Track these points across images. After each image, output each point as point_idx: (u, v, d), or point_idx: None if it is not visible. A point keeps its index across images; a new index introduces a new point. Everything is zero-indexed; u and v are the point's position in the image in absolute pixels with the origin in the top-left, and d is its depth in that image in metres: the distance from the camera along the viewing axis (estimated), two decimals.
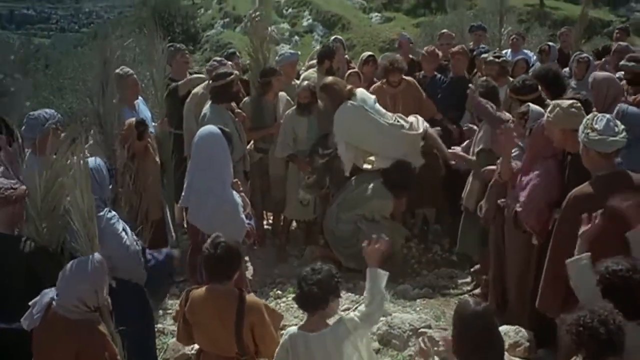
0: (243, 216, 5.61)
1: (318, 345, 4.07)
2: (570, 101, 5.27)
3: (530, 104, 5.96)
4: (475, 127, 6.94)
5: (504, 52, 9.45)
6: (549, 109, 5.32)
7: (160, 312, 6.83)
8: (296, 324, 4.50)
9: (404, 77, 8.19)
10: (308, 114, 7.71)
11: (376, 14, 40.52)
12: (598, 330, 3.36)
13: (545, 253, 5.09)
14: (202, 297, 4.33)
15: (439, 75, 8.66)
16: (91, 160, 4.93)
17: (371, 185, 7.32)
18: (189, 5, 61.21)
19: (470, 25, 11.10)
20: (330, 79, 7.59)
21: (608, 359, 3.42)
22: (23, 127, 5.76)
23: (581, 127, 4.61)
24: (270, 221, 8.78)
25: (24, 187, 4.74)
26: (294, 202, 7.87)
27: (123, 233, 4.92)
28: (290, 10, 46.79)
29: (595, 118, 4.55)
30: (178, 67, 8.58)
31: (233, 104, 7.64)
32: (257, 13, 8.35)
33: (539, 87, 6.39)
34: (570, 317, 3.52)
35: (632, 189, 4.51)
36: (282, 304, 6.91)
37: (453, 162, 7.30)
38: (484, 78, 7.29)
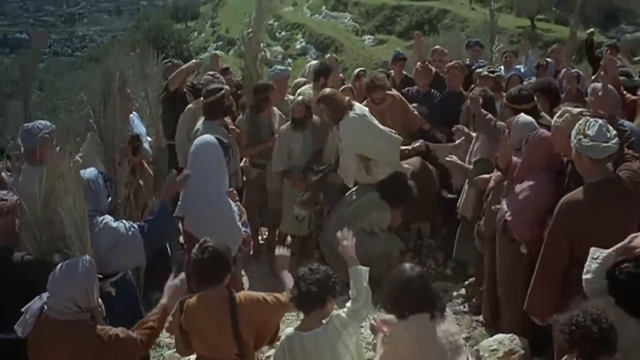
0: (239, 223, 5.64)
1: (312, 345, 4.12)
2: (580, 109, 5.30)
3: (522, 114, 6.03)
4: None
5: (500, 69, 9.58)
6: (557, 114, 5.37)
7: None
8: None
9: (388, 92, 8.20)
10: (302, 129, 7.72)
11: (369, 36, 40.89)
12: (591, 329, 3.41)
13: (535, 263, 5.12)
14: (195, 305, 4.33)
15: (432, 90, 8.72)
16: (88, 171, 5.01)
17: (369, 199, 7.33)
18: (182, 29, 61.68)
19: (467, 41, 11.28)
20: (328, 90, 7.58)
21: (601, 357, 3.45)
22: (18, 140, 5.82)
23: (573, 132, 4.64)
24: (265, 236, 8.78)
25: (15, 197, 4.78)
26: (290, 217, 7.89)
27: (118, 223, 4.98)
28: (283, 33, 47.19)
29: (588, 123, 4.57)
30: (183, 83, 8.68)
31: (228, 119, 7.69)
32: (251, 31, 8.39)
33: (535, 98, 6.46)
34: (563, 317, 3.57)
35: (624, 195, 4.54)
36: None
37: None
38: (482, 88, 7.34)
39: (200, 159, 5.71)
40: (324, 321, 4.18)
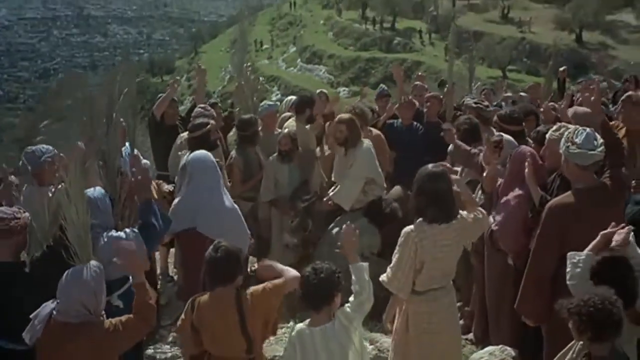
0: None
1: (322, 340, 4.32)
2: (576, 125, 5.57)
3: (503, 134, 6.33)
4: None
5: None
6: (554, 127, 5.66)
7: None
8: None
9: (370, 128, 8.51)
10: (289, 161, 7.94)
11: (344, 88, 41.51)
12: (612, 311, 3.57)
13: (522, 275, 5.35)
14: (206, 303, 4.51)
15: (415, 123, 9.00)
16: (97, 190, 5.20)
17: (359, 225, 7.49)
18: (159, 83, 62.10)
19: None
20: (349, 115, 7.78)
21: (610, 340, 3.64)
22: (21, 162, 5.99)
23: (562, 140, 4.93)
24: (255, 267, 8.88)
25: (26, 214, 4.91)
26: (278, 246, 8.03)
27: (120, 233, 5.16)
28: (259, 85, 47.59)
29: (576, 131, 4.87)
30: (168, 117, 8.93)
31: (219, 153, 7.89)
32: (249, 63, 8.64)
33: (523, 123, 6.75)
34: (570, 301, 3.73)
35: (609, 201, 4.79)
36: (271, 339, 6.97)
37: None
38: (467, 116, 7.61)
39: (202, 171, 6.02)
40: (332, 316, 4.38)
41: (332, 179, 7.99)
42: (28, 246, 4.92)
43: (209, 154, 6.26)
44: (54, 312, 4.17)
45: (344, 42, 72.71)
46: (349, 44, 71.43)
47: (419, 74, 11.34)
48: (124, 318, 4.30)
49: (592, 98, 5.58)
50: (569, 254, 4.38)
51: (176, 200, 6.21)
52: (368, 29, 72.88)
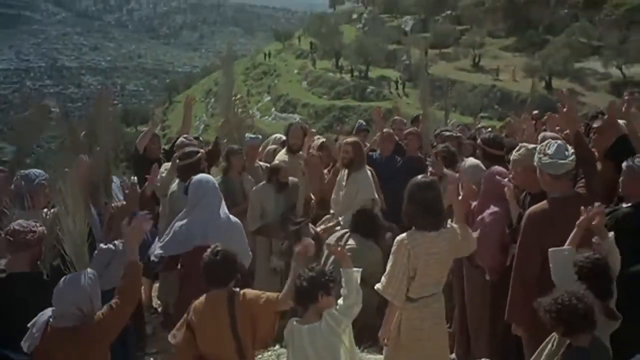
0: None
1: (309, 337, 4.53)
2: (535, 145, 5.85)
3: (470, 158, 6.65)
4: None
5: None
6: (516, 149, 5.91)
7: None
8: None
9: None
10: (282, 191, 8.10)
11: (318, 136, 41.70)
12: (577, 306, 3.83)
13: (499, 290, 5.59)
14: (202, 303, 4.70)
15: (395, 155, 9.22)
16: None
17: (357, 246, 7.58)
18: (133, 132, 62.15)
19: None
20: (356, 138, 8.38)
21: (584, 333, 3.87)
22: (13, 185, 6.10)
23: (536, 153, 5.18)
24: None
25: (42, 228, 5.06)
26: (264, 273, 8.11)
27: (109, 245, 5.42)
28: None
29: (548, 144, 5.13)
30: (151, 151, 9.06)
31: None
32: (239, 96, 8.86)
33: (504, 148, 7.03)
34: (545, 299, 3.98)
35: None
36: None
37: None
38: (445, 144, 7.87)
39: (207, 192, 6.17)
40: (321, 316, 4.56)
41: (332, 204, 8.27)
42: (43, 257, 5.07)
43: (210, 176, 6.43)
44: (51, 319, 4.30)
45: (318, 90, 73.59)
46: (323, 93, 72.30)
47: (397, 115, 11.60)
48: (108, 305, 4.44)
49: (565, 109, 5.82)
50: (550, 250, 4.66)
51: (182, 222, 6.19)
52: (342, 78, 73.85)
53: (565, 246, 4.62)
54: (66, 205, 4.59)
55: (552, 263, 4.65)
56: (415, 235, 5.10)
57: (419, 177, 5.37)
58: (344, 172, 8.12)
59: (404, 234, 5.17)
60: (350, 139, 8.13)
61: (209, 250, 4.75)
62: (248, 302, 4.67)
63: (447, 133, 9.00)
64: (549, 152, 5.08)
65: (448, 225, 5.24)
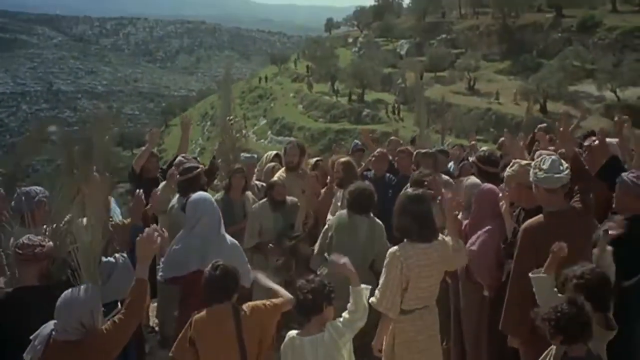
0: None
1: (311, 349, 4.57)
2: (528, 160, 5.95)
3: (471, 177, 6.71)
4: None
5: (449, 165, 10.20)
6: (509, 165, 6.01)
7: None
8: None
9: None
10: (280, 209, 8.15)
11: (315, 159, 41.76)
12: (577, 314, 3.90)
13: (496, 305, 5.64)
14: (204, 319, 4.71)
15: (388, 175, 9.28)
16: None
17: (365, 231, 7.53)
18: (129, 156, 62.30)
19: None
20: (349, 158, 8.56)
21: (581, 342, 3.93)
22: (13, 202, 6.16)
23: (531, 169, 5.27)
24: None
25: (50, 243, 5.11)
26: (260, 292, 8.13)
27: (109, 258, 5.43)
28: None
29: (542, 159, 5.23)
30: (147, 171, 9.12)
31: None
32: (233, 116, 8.96)
33: (499, 165, 7.11)
34: (543, 309, 4.05)
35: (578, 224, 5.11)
36: None
37: None
38: (418, 171, 7.91)
39: (206, 212, 6.19)
40: (323, 327, 4.61)
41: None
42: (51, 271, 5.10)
43: (209, 195, 6.45)
44: (54, 332, 4.33)
45: (313, 114, 73.83)
46: (319, 116, 72.54)
47: (392, 137, 11.71)
48: (112, 320, 4.48)
49: (561, 128, 5.93)
50: (531, 276, 4.80)
51: (180, 244, 6.22)
52: (338, 101, 74.13)
53: (543, 273, 4.76)
54: (86, 218, 4.68)
55: (535, 288, 4.78)
56: (407, 247, 5.19)
57: (410, 189, 5.49)
58: (339, 193, 8.16)
59: (396, 247, 5.25)
60: (342, 159, 8.20)
61: (209, 266, 4.80)
62: (254, 312, 4.72)
63: (423, 150, 9.12)
64: (544, 167, 5.18)
65: (440, 238, 5.32)
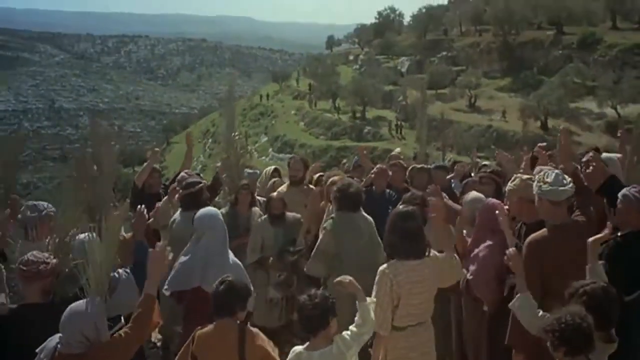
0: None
1: None
2: (529, 175, 6.00)
3: (473, 192, 6.76)
4: None
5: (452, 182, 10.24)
6: (510, 180, 6.07)
7: None
8: None
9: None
10: (279, 224, 8.19)
11: (317, 175, 41.79)
12: (581, 325, 3.92)
13: (496, 320, 5.72)
14: (208, 334, 4.73)
15: (388, 191, 9.31)
16: (86, 235, 5.43)
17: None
18: (130, 173, 62.33)
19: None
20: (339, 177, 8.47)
21: (584, 353, 3.95)
22: (19, 216, 6.21)
23: (535, 182, 5.33)
24: None
25: (55, 260, 5.15)
26: (262, 307, 8.14)
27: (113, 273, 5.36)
28: None
29: (545, 173, 5.30)
30: (150, 186, 9.19)
31: None
32: (238, 132, 9.02)
33: (499, 181, 7.17)
34: (546, 320, 4.10)
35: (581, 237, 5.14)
36: None
37: None
38: (410, 193, 7.84)
39: (212, 228, 6.23)
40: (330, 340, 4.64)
41: None
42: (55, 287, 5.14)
43: (217, 210, 6.48)
44: (59, 346, 4.35)
45: (315, 131, 73.97)
46: (320, 133, 72.67)
47: (393, 153, 11.77)
48: (118, 333, 4.51)
49: (562, 143, 5.98)
50: (509, 305, 5.04)
51: (185, 258, 6.27)
52: (339, 119, 74.28)
53: (521, 294, 4.96)
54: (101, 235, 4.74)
55: (517, 311, 4.98)
56: (396, 264, 5.25)
57: (400, 207, 5.60)
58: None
59: (384, 265, 5.28)
60: (335, 177, 8.26)
61: (217, 281, 4.84)
62: (258, 345, 4.71)
63: (419, 166, 9.28)
64: (549, 180, 5.27)
65: (431, 254, 5.35)
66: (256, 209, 8.64)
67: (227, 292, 4.73)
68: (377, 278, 5.30)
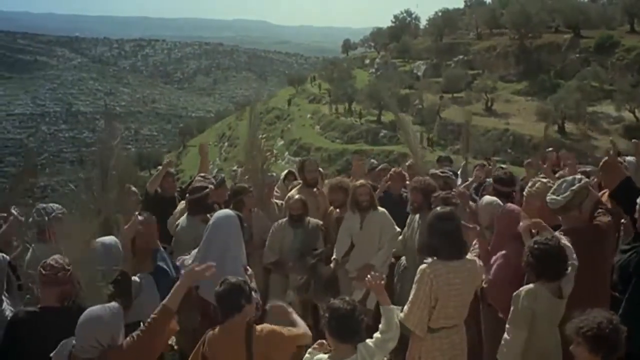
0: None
1: None
2: (548, 180, 5.95)
3: (486, 196, 6.71)
4: None
5: (472, 186, 10.14)
6: (530, 184, 6.02)
7: None
8: None
9: None
10: (298, 226, 8.12)
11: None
12: (619, 329, 3.92)
13: None
14: (217, 335, 4.72)
15: (405, 194, 9.25)
16: (108, 238, 5.40)
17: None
18: (147, 177, 62.46)
19: (438, 157, 12.08)
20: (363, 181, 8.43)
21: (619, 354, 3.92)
22: (30, 219, 6.18)
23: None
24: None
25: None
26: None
27: (134, 277, 5.46)
28: (247, 177, 48.14)
29: (558, 182, 5.30)
30: (164, 190, 9.18)
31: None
32: (264, 135, 8.95)
33: (514, 185, 7.11)
34: (577, 323, 3.98)
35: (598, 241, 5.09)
36: None
37: None
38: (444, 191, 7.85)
39: (220, 231, 6.15)
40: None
41: (337, 247, 8.21)
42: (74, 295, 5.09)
43: (234, 213, 6.40)
44: (73, 349, 4.32)
45: (330, 135, 73.94)
46: (336, 137, 72.64)
47: (410, 161, 11.70)
48: (130, 337, 4.46)
49: (606, 159, 5.93)
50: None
51: (194, 258, 6.21)
52: (355, 122, 74.22)
53: None
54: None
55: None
56: (437, 265, 5.19)
57: (438, 208, 5.48)
58: (356, 215, 8.12)
59: (425, 264, 5.21)
60: (358, 182, 8.21)
61: (216, 287, 4.80)
62: (269, 334, 4.70)
63: (433, 171, 9.22)
64: (554, 188, 5.26)
65: (469, 257, 5.30)
66: (257, 212, 8.61)
67: (226, 292, 4.69)
68: (417, 277, 5.28)
